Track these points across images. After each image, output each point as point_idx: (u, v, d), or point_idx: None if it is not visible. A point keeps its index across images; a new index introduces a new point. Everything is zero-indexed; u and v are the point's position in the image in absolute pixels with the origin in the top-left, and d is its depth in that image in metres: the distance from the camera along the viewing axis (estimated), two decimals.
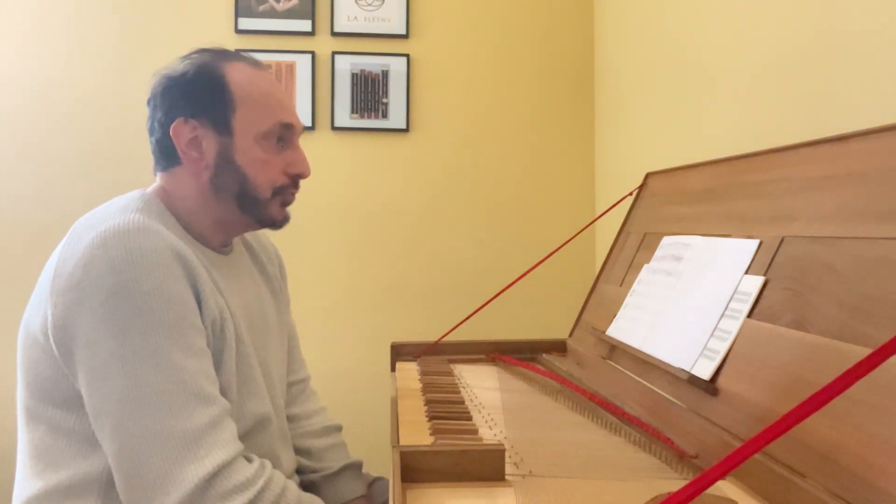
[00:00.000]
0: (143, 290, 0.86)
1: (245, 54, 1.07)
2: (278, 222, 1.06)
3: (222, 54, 1.03)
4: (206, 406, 0.87)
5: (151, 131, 1.03)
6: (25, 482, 0.94)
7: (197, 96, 0.99)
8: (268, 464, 0.93)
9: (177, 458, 0.83)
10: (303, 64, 2.25)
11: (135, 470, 0.84)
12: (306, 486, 1.18)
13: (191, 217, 1.02)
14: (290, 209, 1.08)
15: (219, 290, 0.98)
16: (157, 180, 1.04)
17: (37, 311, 0.91)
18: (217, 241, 1.06)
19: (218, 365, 0.95)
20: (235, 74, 1.00)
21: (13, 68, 2.19)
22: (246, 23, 2.25)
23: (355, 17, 2.27)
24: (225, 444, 0.87)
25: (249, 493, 0.86)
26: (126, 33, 2.22)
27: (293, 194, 1.06)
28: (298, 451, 1.20)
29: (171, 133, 0.98)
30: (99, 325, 0.85)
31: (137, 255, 0.87)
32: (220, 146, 1.00)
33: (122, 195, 0.99)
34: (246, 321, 1.04)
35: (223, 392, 0.94)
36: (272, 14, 2.25)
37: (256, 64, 1.05)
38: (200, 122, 0.99)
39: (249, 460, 0.91)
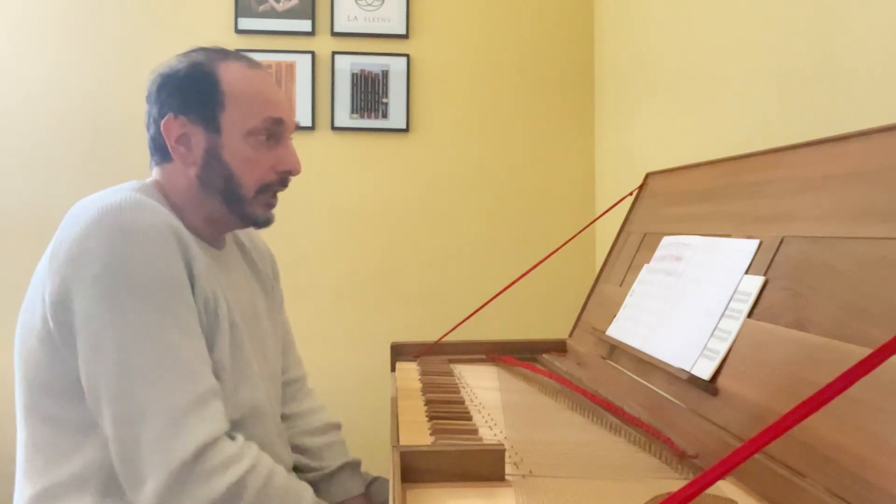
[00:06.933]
0: (137, 265, 0.87)
1: (244, 54, 1.09)
2: (260, 221, 1.07)
3: (219, 53, 1.05)
4: (195, 383, 0.88)
5: (148, 127, 1.05)
6: (25, 480, 0.95)
7: (187, 93, 1.01)
8: (254, 445, 0.93)
9: (164, 434, 0.84)
10: (303, 64, 2.25)
11: (127, 447, 0.85)
12: None
13: (184, 211, 1.03)
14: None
15: (213, 274, 0.99)
16: (153, 174, 1.06)
17: (34, 298, 0.93)
18: (209, 235, 1.07)
19: (211, 346, 0.96)
20: (228, 73, 1.02)
21: (12, 67, 2.19)
22: (246, 23, 2.25)
23: (355, 17, 2.27)
24: (210, 420, 0.88)
25: (234, 472, 0.87)
26: (126, 33, 2.22)
27: (276, 195, 1.07)
28: (296, 449, 1.20)
29: (161, 128, 1.01)
30: (95, 298, 0.86)
31: (133, 230, 0.88)
32: (208, 143, 1.01)
33: (118, 184, 1.01)
34: (239, 312, 1.05)
35: (216, 375, 0.94)
36: (272, 14, 2.25)
37: (253, 63, 1.06)
38: (189, 119, 1.01)
39: (233, 439, 0.91)
